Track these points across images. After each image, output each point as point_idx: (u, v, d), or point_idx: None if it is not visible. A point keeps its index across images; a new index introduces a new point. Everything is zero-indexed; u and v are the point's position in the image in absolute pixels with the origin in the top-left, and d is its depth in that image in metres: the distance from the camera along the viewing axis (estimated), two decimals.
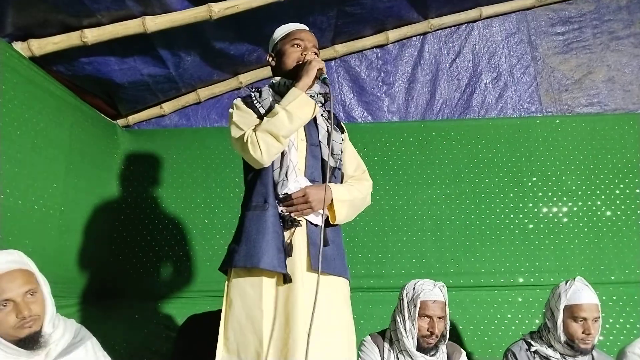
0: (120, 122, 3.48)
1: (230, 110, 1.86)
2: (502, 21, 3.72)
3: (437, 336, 2.16)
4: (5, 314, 1.53)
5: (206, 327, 2.47)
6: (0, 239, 2.14)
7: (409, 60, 3.69)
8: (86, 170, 2.94)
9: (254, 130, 1.72)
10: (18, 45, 2.48)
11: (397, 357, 2.21)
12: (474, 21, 3.70)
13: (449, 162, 3.36)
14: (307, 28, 1.98)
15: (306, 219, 1.76)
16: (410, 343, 2.17)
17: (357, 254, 3.18)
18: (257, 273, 1.70)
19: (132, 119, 3.51)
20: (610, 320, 2.99)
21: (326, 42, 3.48)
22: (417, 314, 2.17)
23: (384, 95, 3.65)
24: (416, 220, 3.27)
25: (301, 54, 1.86)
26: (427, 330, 2.16)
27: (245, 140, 1.72)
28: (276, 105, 1.75)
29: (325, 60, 3.58)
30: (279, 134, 1.70)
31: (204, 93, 3.52)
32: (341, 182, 1.95)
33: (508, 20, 3.72)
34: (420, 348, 2.17)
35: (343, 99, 3.63)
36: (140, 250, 3.24)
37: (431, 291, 2.22)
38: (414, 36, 3.67)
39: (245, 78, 3.52)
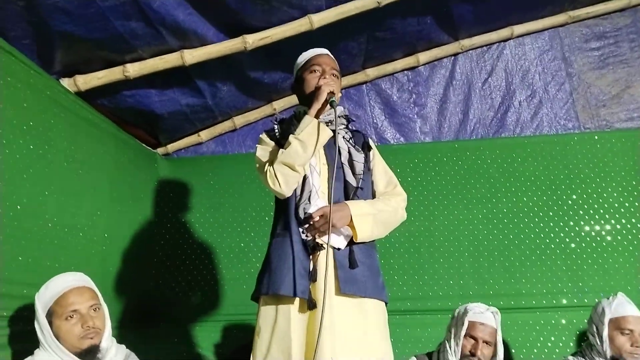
0: (160, 150, 3.61)
1: (257, 145, 1.91)
2: (534, 39, 3.70)
3: (479, 359, 2.12)
4: (71, 325, 1.71)
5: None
6: (48, 265, 2.24)
7: (440, 81, 3.70)
8: (128, 197, 3.06)
9: (272, 163, 1.76)
10: (65, 82, 2.62)
11: None
12: (506, 40, 3.69)
13: (484, 181, 3.32)
14: (327, 52, 1.99)
15: (330, 246, 1.73)
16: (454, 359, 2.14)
17: (392, 276, 3.16)
18: (285, 300, 1.70)
19: (171, 147, 3.64)
20: None
21: (357, 66, 3.53)
22: (462, 333, 2.15)
23: (416, 116, 3.66)
24: (453, 241, 3.23)
25: (319, 80, 1.86)
26: (469, 351, 2.13)
27: (265, 174, 1.77)
28: (290, 135, 1.77)
29: (357, 85, 3.65)
30: (294, 163, 1.73)
31: (239, 120, 3.62)
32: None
33: (540, 38, 3.70)
34: None
35: (375, 121, 3.66)
36: (179, 274, 3.31)
37: (482, 314, 2.19)
38: (444, 57, 3.69)
39: (279, 105, 3.60)
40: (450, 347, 2.17)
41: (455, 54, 3.69)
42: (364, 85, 3.69)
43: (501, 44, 3.71)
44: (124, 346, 1.92)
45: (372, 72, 3.61)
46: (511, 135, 3.55)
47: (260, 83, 3.24)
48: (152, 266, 3.29)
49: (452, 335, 2.20)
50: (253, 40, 2.74)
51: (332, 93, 1.79)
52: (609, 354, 2.14)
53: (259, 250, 3.27)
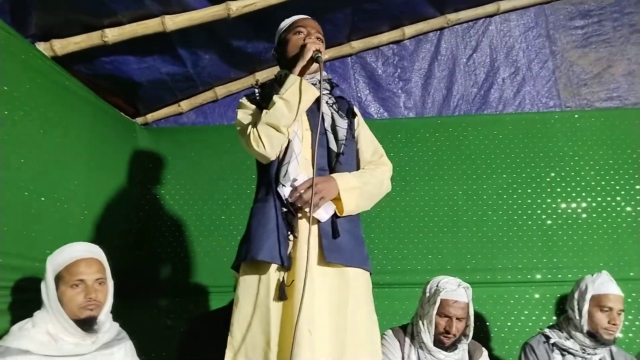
0: (139, 120, 3.54)
1: (237, 109, 1.85)
2: (520, 15, 3.68)
3: (454, 335, 2.15)
4: (75, 293, 1.77)
5: (211, 326, 2.49)
6: (24, 235, 2.19)
7: (425, 55, 3.67)
8: (106, 167, 3.00)
9: (255, 125, 1.70)
10: (41, 46, 2.53)
11: (417, 353, 2.20)
12: (491, 16, 3.66)
13: (466, 157, 3.34)
14: (310, 18, 1.94)
15: (313, 216, 1.67)
16: (427, 338, 2.17)
17: (373, 249, 3.18)
18: (265, 269, 1.65)
19: (151, 117, 3.56)
20: (630, 317, 2.94)
21: (342, 38, 3.49)
22: (435, 312, 2.15)
23: (400, 91, 3.64)
24: (433, 216, 3.26)
25: (303, 40, 1.80)
26: (444, 329, 2.14)
27: (248, 136, 1.70)
28: (274, 95, 1.71)
29: (341, 57, 3.61)
30: (279, 124, 1.68)
31: (221, 91, 3.56)
32: (357, 169, 1.91)
33: (526, 15, 3.68)
34: (437, 345, 2.17)
35: (359, 95, 3.64)
36: (159, 246, 3.29)
37: (454, 291, 2.18)
38: (430, 32, 3.66)
39: (262, 76, 3.54)
40: (423, 325, 2.18)
41: (441, 29, 3.66)
42: (349, 58, 3.64)
43: (487, 20, 3.68)
44: (117, 324, 1.95)
45: (357, 45, 3.57)
46: (494, 112, 3.56)
47: (244, 53, 3.17)
48: (131, 237, 3.25)
49: (425, 313, 2.20)
50: (237, 7, 2.67)
51: (318, 51, 1.73)
52: (585, 328, 2.18)
53: (239, 222, 3.26)
